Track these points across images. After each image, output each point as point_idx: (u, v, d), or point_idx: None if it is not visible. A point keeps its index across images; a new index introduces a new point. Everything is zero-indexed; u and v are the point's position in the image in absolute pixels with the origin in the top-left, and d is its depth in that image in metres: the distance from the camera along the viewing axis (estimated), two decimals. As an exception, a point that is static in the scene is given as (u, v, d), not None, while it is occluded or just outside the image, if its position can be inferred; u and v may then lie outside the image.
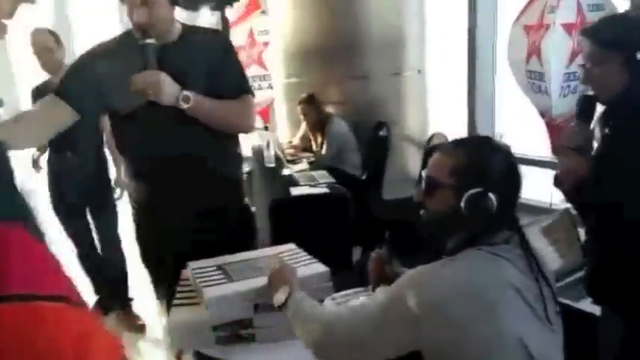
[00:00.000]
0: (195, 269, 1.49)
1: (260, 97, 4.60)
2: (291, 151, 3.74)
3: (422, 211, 1.09)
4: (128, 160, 1.69)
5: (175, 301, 1.43)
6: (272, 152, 3.33)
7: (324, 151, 3.56)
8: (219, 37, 1.77)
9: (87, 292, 3.06)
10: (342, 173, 3.36)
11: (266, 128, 4.17)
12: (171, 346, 1.34)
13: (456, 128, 3.46)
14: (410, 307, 0.96)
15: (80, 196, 2.73)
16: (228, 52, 1.71)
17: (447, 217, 1.03)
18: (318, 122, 3.63)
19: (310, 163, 3.47)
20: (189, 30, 1.68)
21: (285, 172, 3.15)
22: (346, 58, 3.69)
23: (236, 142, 1.78)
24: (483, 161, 1.02)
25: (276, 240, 2.52)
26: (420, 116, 3.94)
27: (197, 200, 1.64)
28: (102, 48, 1.61)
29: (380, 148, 3.63)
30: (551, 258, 1.76)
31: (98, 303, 2.91)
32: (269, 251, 1.62)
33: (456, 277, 0.96)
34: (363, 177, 3.60)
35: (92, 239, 2.85)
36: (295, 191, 2.66)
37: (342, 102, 3.77)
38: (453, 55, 3.54)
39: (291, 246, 1.64)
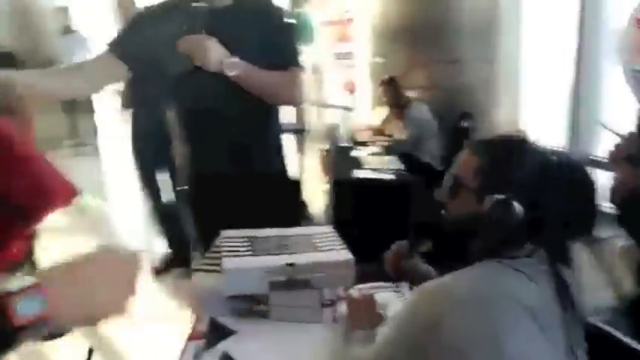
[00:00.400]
0: (225, 237, 1.51)
1: (345, 75, 4.56)
2: (368, 132, 3.67)
3: (443, 212, 1.01)
4: (180, 122, 1.72)
5: (202, 266, 1.45)
6: (346, 132, 3.30)
7: (400, 136, 3.46)
8: (273, 6, 1.74)
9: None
10: (416, 161, 3.25)
11: (348, 108, 4.13)
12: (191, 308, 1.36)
13: (552, 122, 3.18)
14: (414, 322, 0.89)
15: (155, 153, 2.87)
16: (280, 21, 1.68)
17: (467, 222, 0.94)
18: (398, 106, 3.52)
19: (385, 147, 3.39)
20: None
21: (356, 153, 3.10)
22: (435, 41, 3.53)
23: (277, 113, 1.76)
24: (512, 164, 0.91)
25: (336, 219, 2.51)
26: (512, 108, 3.68)
27: (238, 165, 1.65)
28: (158, 7, 1.63)
29: (460, 140, 3.46)
30: (615, 283, 1.58)
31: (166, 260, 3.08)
32: (303, 230, 1.59)
33: (457, 289, 0.88)
34: (441, 167, 3.46)
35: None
36: (358, 174, 2.61)
37: (428, 87, 3.63)
38: (553, 42, 3.24)
39: (327, 229, 1.60)
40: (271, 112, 1.74)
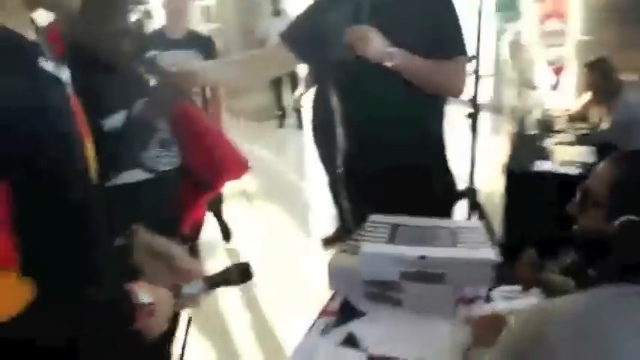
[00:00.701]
0: (371, 222, 1.56)
1: (553, 54, 4.16)
2: (563, 119, 3.32)
3: (574, 226, 0.91)
4: (340, 110, 1.79)
5: (346, 247, 1.52)
6: (534, 118, 3.04)
7: (604, 125, 3.06)
8: None
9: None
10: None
11: (548, 89, 3.78)
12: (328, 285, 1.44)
13: None
14: (519, 341, 0.84)
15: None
16: (447, 8, 1.62)
17: (594, 240, 0.84)
18: (606, 91, 3.10)
19: (582, 135, 3.03)
20: None
21: (546, 141, 2.84)
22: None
23: (443, 100, 1.72)
24: None
25: (507, 214, 2.36)
26: None
27: (397, 156, 1.67)
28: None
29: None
30: None
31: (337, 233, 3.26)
32: (450, 223, 1.56)
33: (573, 313, 0.79)
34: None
35: None
36: (539, 166, 2.41)
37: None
38: None
39: (475, 223, 1.55)
40: (435, 102, 1.71)
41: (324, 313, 1.36)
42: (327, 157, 3.20)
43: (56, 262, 0.82)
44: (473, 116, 2.32)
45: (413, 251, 1.34)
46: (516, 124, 3.14)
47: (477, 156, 2.39)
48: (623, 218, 0.79)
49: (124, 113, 1.45)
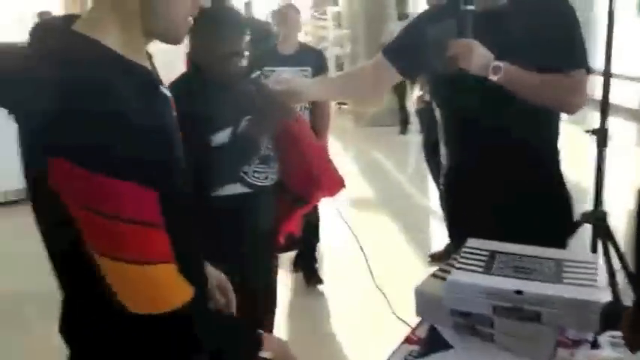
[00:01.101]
0: (467, 247, 1.47)
1: None
2: None
3: None
4: (442, 123, 1.72)
5: (439, 272, 1.46)
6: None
7: None
8: (559, 2, 1.54)
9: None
10: None
11: None
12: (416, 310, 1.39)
13: None
14: None
15: None
16: (564, 19, 1.50)
17: None
18: None
19: None
20: None
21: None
22: None
23: (557, 116, 1.59)
24: None
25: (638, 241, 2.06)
26: None
27: (503, 176, 1.57)
28: (431, 12, 1.66)
29: None
30: None
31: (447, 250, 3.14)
32: (559, 254, 1.40)
33: None
34: None
35: None
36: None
37: None
38: None
39: (590, 257, 1.39)
40: (548, 118, 1.58)
41: (409, 340, 1.31)
42: (436, 172, 3.13)
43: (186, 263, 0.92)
44: (599, 132, 2.08)
45: (508, 284, 1.24)
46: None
47: (606, 174, 2.14)
48: None
49: (230, 130, 1.53)
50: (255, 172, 1.63)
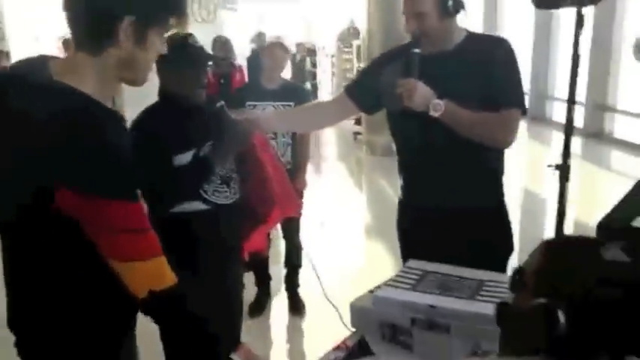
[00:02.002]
0: (406, 267, 1.61)
1: None
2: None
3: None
4: (398, 155, 1.88)
5: (375, 288, 1.59)
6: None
7: None
8: (501, 47, 1.70)
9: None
10: None
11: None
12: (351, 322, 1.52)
13: None
14: None
15: None
16: (505, 62, 1.66)
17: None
18: None
19: None
20: (472, 37, 1.69)
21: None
22: None
23: (497, 153, 1.75)
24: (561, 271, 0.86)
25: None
26: None
27: (450, 198, 1.71)
28: (388, 54, 1.83)
29: None
30: None
31: None
32: (481, 275, 1.53)
33: None
34: None
35: None
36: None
37: None
38: None
39: (505, 277, 1.50)
40: (487, 151, 1.72)
41: (337, 347, 1.44)
42: None
43: None
44: (561, 168, 2.19)
45: (425, 299, 1.38)
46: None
47: (567, 209, 2.24)
48: (538, 301, 0.83)
49: (193, 152, 1.72)
50: (215, 191, 1.80)
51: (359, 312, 1.49)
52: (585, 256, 0.86)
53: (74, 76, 1.06)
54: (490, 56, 1.67)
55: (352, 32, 11.01)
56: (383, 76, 1.74)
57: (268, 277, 3.29)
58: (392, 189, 6.21)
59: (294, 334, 3.18)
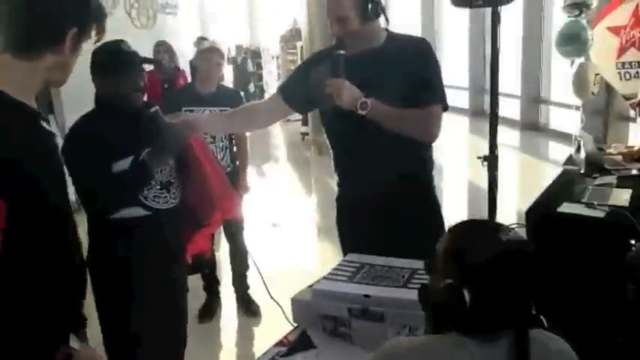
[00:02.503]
0: (344, 260, 1.67)
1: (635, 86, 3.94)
2: (618, 158, 3.12)
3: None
4: (332, 153, 1.93)
5: (314, 283, 1.64)
6: (582, 156, 2.91)
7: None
8: (421, 45, 1.79)
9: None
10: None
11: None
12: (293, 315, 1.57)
13: None
14: None
15: None
16: (426, 60, 1.74)
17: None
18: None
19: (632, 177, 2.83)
20: (393, 38, 1.77)
21: (591, 182, 2.71)
22: None
23: (425, 147, 1.82)
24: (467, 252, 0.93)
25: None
26: None
27: (385, 198, 1.77)
28: (316, 55, 1.89)
29: None
30: None
31: None
32: (416, 264, 1.60)
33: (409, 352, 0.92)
34: None
35: None
36: (564, 208, 2.33)
37: None
38: None
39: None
40: (414, 144, 1.80)
41: (279, 342, 1.48)
42: None
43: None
44: (489, 159, 2.31)
45: (360, 289, 1.44)
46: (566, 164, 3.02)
47: (498, 198, 2.38)
48: (446, 281, 0.91)
49: (131, 159, 1.73)
50: (155, 196, 1.81)
51: (299, 306, 1.54)
52: (484, 236, 0.93)
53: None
54: (411, 55, 1.75)
55: (295, 33, 11.10)
56: (312, 77, 1.79)
57: (216, 281, 3.29)
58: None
59: (243, 337, 3.20)
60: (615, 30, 4.31)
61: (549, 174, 5.33)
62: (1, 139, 1.03)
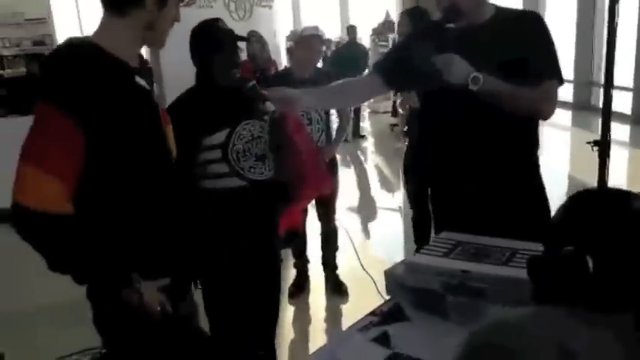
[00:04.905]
0: (439, 237, 1.63)
1: None
2: None
3: None
4: (431, 131, 1.88)
5: (411, 255, 1.62)
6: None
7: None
8: (532, 19, 1.69)
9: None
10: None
11: None
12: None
13: None
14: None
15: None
16: (538, 35, 1.65)
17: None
18: None
19: None
20: (502, 12, 1.70)
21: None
22: None
23: (534, 126, 1.74)
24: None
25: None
26: None
27: (488, 171, 1.72)
28: (418, 32, 1.84)
29: None
30: None
31: None
32: (514, 244, 1.53)
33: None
34: None
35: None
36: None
37: None
38: None
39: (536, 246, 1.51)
40: (523, 124, 1.72)
41: (372, 313, 1.48)
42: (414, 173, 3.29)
43: None
44: (600, 144, 2.16)
45: (458, 265, 1.40)
46: None
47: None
48: (567, 249, 0.86)
49: (227, 131, 1.80)
50: (251, 167, 1.87)
51: (393, 279, 1.52)
52: (611, 203, 0.87)
53: (103, 34, 1.23)
54: (523, 29, 1.66)
55: (387, 26, 10.97)
56: (416, 53, 1.75)
57: (306, 260, 3.36)
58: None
59: (332, 312, 3.24)
60: None
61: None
62: (97, 86, 1.13)
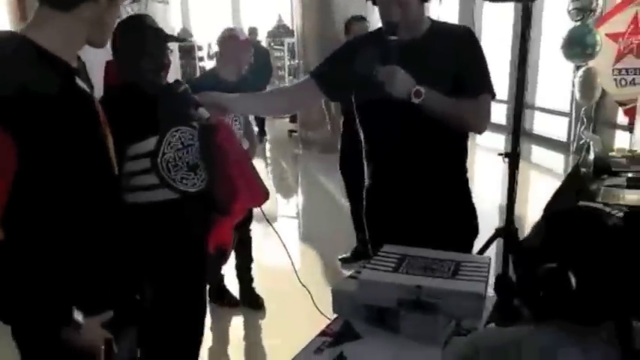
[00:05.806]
0: (382, 251, 1.63)
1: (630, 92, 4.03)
2: (623, 161, 3.17)
3: None
4: (367, 143, 1.88)
5: (353, 273, 1.60)
6: (591, 157, 2.94)
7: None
8: (465, 34, 1.76)
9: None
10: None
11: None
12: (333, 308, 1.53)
13: None
14: None
15: None
16: (472, 48, 1.70)
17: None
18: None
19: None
20: (437, 26, 1.74)
21: (601, 183, 2.74)
22: None
23: (464, 138, 1.80)
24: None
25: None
26: None
27: (420, 181, 1.75)
28: (356, 41, 1.83)
29: None
30: None
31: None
32: (457, 257, 1.58)
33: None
34: None
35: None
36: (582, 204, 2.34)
37: None
38: None
39: (482, 259, 1.58)
40: (456, 138, 1.78)
41: (323, 333, 1.44)
42: (351, 186, 3.50)
43: None
44: (510, 156, 2.30)
45: (411, 280, 1.40)
46: (576, 163, 3.06)
47: (516, 196, 2.37)
48: (545, 266, 0.88)
49: (156, 139, 1.65)
50: (182, 178, 1.74)
51: (342, 297, 1.50)
52: (589, 221, 0.91)
53: (39, 29, 1.06)
54: (458, 44, 1.71)
55: (282, 30, 11.00)
56: (357, 63, 1.73)
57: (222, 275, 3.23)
58: (330, 184, 6.37)
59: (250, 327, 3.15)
60: (614, 36, 4.41)
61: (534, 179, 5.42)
62: (33, 90, 0.99)
